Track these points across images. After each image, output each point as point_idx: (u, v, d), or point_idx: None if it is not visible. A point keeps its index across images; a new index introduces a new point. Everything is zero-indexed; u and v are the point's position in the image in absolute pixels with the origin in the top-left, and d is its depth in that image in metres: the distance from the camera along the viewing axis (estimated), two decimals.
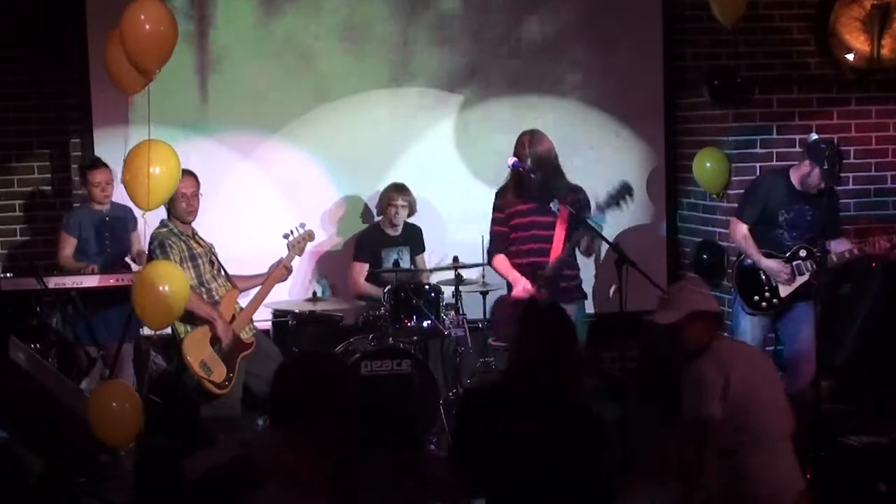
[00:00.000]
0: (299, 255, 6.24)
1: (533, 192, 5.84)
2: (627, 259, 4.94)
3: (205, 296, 5.83)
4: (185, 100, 7.10)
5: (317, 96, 7.28)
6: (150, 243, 5.85)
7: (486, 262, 6.32)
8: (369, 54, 7.31)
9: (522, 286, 5.82)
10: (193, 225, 6.04)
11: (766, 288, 6.12)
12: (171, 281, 5.11)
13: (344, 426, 2.93)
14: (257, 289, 6.11)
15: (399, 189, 6.91)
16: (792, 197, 6.07)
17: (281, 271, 6.12)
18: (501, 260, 6.01)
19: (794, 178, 6.07)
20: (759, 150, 7.03)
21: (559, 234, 5.81)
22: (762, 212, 6.13)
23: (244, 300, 6.15)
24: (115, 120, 6.85)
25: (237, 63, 7.18)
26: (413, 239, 6.98)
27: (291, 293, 7.03)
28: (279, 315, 6.46)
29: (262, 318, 6.44)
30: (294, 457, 2.81)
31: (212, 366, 5.73)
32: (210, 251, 6.03)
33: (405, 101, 7.39)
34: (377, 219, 7.08)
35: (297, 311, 6.37)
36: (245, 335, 5.93)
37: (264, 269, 6.17)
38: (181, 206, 5.87)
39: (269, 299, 6.25)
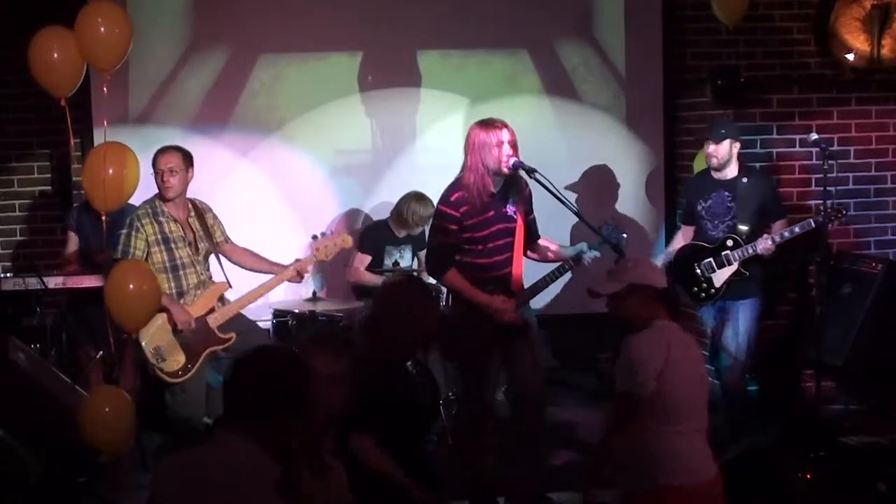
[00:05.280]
0: (325, 259, 5.91)
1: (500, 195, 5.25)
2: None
3: (172, 281, 5.69)
4: (184, 98, 7.12)
5: (315, 96, 7.28)
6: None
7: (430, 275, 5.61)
8: (369, 55, 7.32)
9: (501, 305, 5.21)
10: (216, 207, 5.97)
11: (702, 279, 6.13)
12: (143, 280, 5.10)
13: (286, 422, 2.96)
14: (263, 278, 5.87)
15: (423, 203, 6.72)
16: (708, 186, 6.20)
17: (290, 273, 5.79)
18: (457, 276, 5.26)
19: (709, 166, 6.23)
20: (759, 150, 7.03)
21: (519, 241, 5.31)
22: (689, 207, 6.31)
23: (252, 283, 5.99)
24: (115, 120, 6.84)
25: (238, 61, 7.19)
26: (417, 237, 6.95)
27: (290, 293, 7.03)
28: (279, 315, 6.45)
29: (263, 318, 6.44)
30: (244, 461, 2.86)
31: (167, 354, 5.59)
32: (200, 237, 5.81)
33: (405, 101, 7.39)
34: (388, 217, 6.95)
35: (296, 311, 6.36)
36: (223, 331, 5.73)
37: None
38: (157, 182, 5.75)
39: (268, 299, 6.24)
